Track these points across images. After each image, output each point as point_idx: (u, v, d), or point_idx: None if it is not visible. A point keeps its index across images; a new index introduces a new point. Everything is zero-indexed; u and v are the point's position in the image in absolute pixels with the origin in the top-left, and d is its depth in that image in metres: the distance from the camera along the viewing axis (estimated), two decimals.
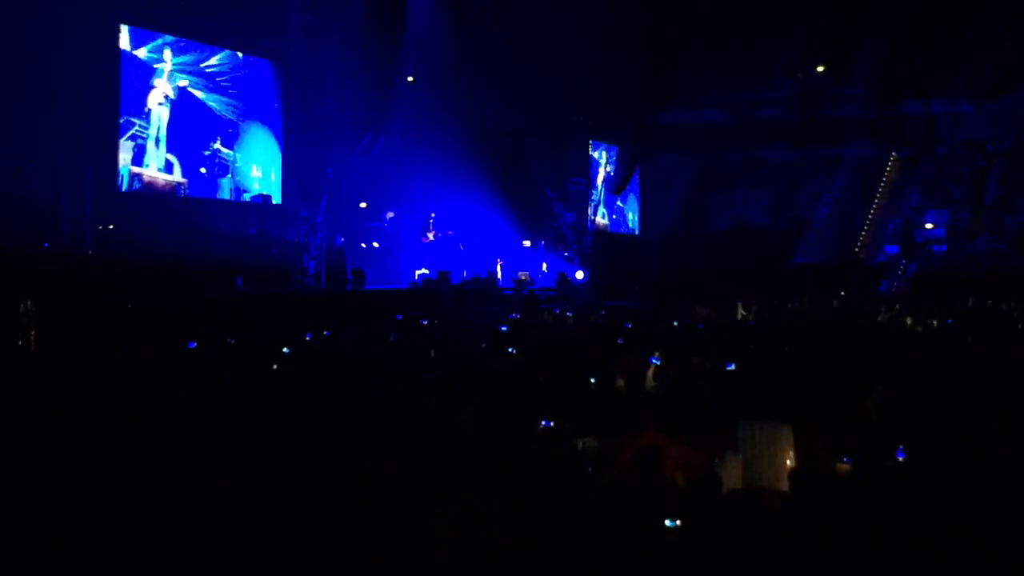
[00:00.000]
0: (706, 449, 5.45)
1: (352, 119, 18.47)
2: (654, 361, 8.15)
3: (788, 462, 5.21)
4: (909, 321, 13.64)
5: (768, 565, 3.81)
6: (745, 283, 19.15)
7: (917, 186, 30.87)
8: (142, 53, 16.01)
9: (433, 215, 22.02)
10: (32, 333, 9.50)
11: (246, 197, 18.15)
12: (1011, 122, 29.32)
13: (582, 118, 27.86)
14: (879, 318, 14.14)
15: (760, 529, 4.07)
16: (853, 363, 8.56)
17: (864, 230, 29.97)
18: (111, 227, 15.05)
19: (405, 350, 10.18)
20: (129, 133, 15.73)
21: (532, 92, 24.15)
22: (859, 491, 4.68)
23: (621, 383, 7.72)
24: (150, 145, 16.08)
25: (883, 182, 31.02)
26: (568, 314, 15.19)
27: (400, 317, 13.96)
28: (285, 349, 9.49)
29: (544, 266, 24.83)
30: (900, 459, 5.26)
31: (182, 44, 16.70)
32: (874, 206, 30.51)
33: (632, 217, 32.27)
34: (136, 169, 15.91)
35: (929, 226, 28.82)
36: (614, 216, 31.13)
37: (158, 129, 16.23)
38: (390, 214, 22.06)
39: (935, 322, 13.29)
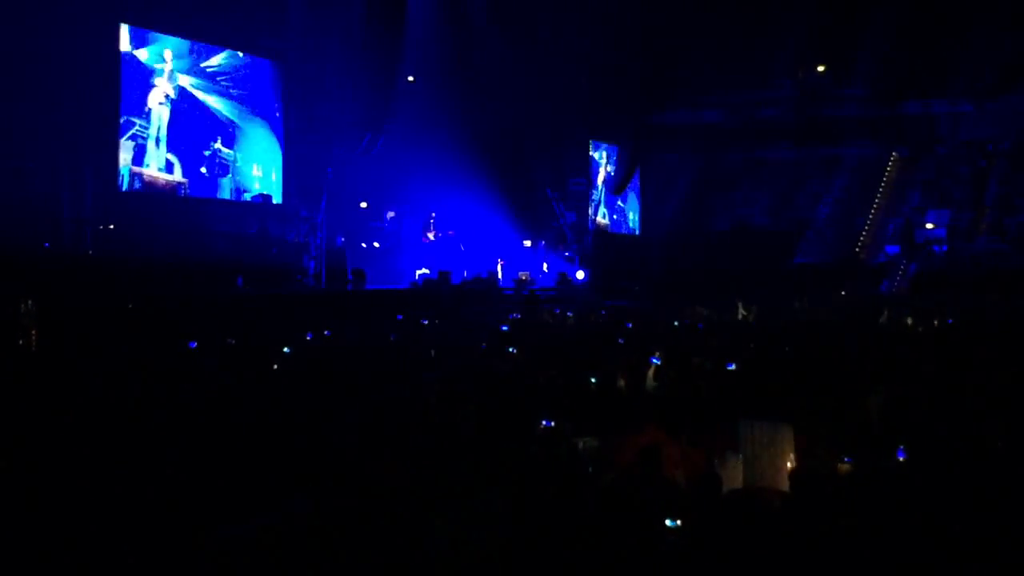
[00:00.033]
0: (706, 449, 5.45)
1: (352, 119, 18.48)
2: (654, 361, 8.14)
3: (788, 462, 5.20)
4: (910, 321, 13.63)
5: (768, 565, 3.81)
6: (745, 283, 19.14)
7: (917, 186, 30.85)
8: (142, 53, 16.02)
9: (433, 215, 22.02)
10: (33, 333, 9.51)
11: (246, 197, 18.15)
12: (1012, 122, 29.29)
13: (582, 118, 27.85)
14: (880, 319, 14.13)
15: (760, 529, 4.07)
16: (854, 363, 8.56)
17: (864, 230, 29.94)
18: (111, 227, 15.05)
19: (405, 350, 10.18)
20: (129, 133, 15.73)
21: (532, 92, 24.14)
22: (859, 491, 4.68)
23: (621, 383, 7.72)
24: (150, 145, 16.09)
25: (883, 182, 30.99)
26: (569, 314, 15.18)
27: (400, 317, 13.95)
28: (286, 349, 9.49)
29: (545, 266, 24.82)
30: (901, 459, 5.26)
31: (183, 44, 16.70)
32: (874, 206, 30.48)
33: (633, 217, 32.26)
34: (136, 169, 15.91)
35: (930, 226, 28.79)
36: (615, 216, 31.13)
37: (158, 129, 16.23)
38: (391, 214, 22.06)
39: (936, 322, 13.28)
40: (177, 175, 16.63)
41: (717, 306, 15.68)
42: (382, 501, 4.28)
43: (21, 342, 9.41)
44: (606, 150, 30.35)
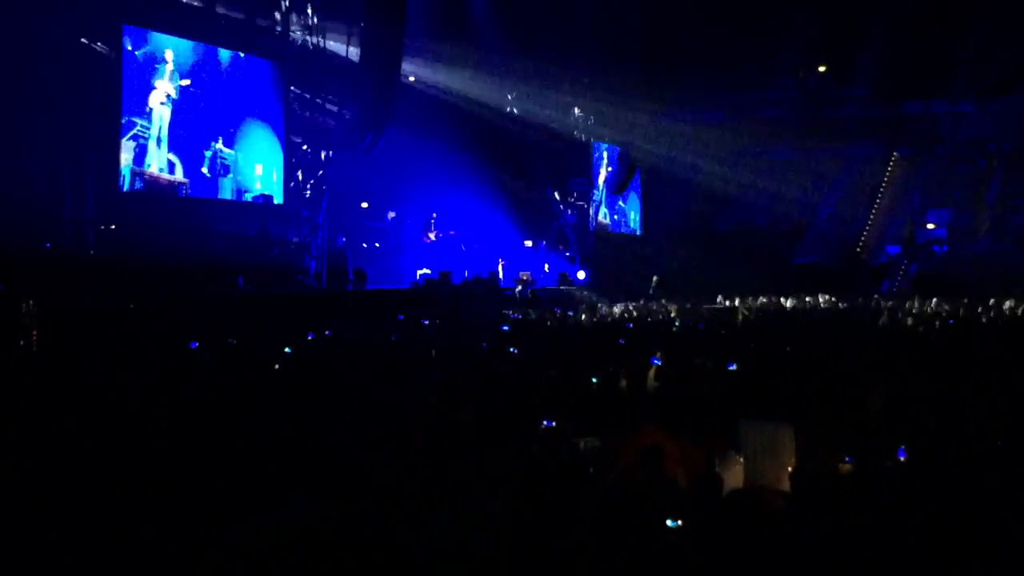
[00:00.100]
0: (707, 449, 5.45)
1: (354, 119, 18.46)
2: (655, 361, 8.15)
3: (789, 462, 5.20)
4: (910, 321, 13.64)
5: (769, 565, 3.81)
6: (746, 283, 19.17)
7: (919, 186, 30.84)
8: (144, 53, 16.02)
9: (435, 215, 22.02)
10: (34, 333, 9.52)
11: (247, 197, 18.15)
12: (1013, 122, 29.28)
13: (584, 117, 27.85)
14: (880, 319, 14.14)
15: (761, 529, 4.07)
16: (854, 363, 8.56)
17: (866, 230, 29.95)
18: (113, 227, 15.06)
19: (407, 350, 10.20)
20: (131, 133, 15.73)
21: (534, 91, 24.15)
22: (860, 491, 4.68)
23: (623, 383, 7.73)
24: (152, 145, 16.08)
25: (885, 182, 30.99)
26: (569, 314, 15.20)
27: (402, 317, 13.96)
28: (287, 349, 9.50)
29: (546, 266, 24.82)
30: (901, 459, 5.26)
31: (184, 44, 16.70)
32: (876, 206, 30.47)
33: (634, 217, 32.24)
34: (138, 169, 15.91)
35: (931, 226, 28.81)
36: (615, 216, 31.11)
37: (160, 129, 16.23)
38: (391, 214, 22.07)
39: (936, 322, 13.29)
40: (178, 175, 16.62)
41: (718, 306, 15.70)
42: (383, 501, 4.28)
43: (22, 342, 9.42)
44: (607, 150, 30.34)
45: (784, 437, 5.34)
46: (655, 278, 20.50)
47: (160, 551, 3.87)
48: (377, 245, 21.30)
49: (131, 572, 3.83)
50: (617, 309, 16.07)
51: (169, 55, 16.38)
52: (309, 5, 18.70)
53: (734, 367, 8.35)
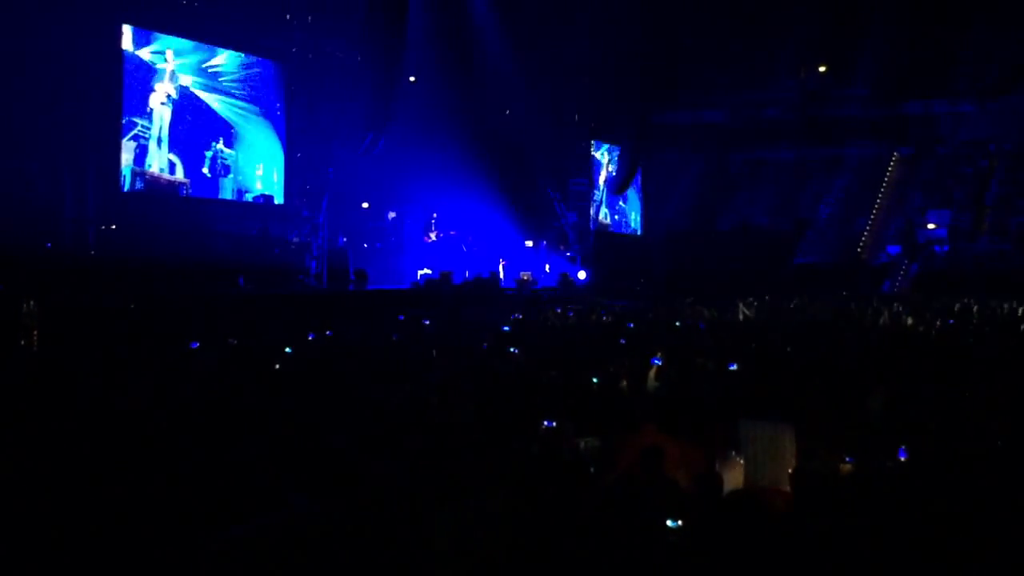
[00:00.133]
0: (708, 449, 5.45)
1: (354, 119, 18.47)
2: (656, 362, 8.14)
3: (790, 462, 5.20)
4: (910, 321, 13.63)
5: (770, 565, 3.81)
6: (747, 283, 19.15)
7: (919, 186, 30.84)
8: (144, 53, 16.03)
9: (435, 215, 22.02)
10: (34, 333, 9.52)
11: (248, 197, 18.16)
12: (1013, 122, 29.27)
13: (584, 118, 27.85)
14: (880, 319, 14.13)
15: (762, 529, 4.07)
16: (855, 363, 8.56)
17: (866, 230, 29.95)
18: (113, 227, 15.07)
19: (407, 350, 10.19)
20: (131, 133, 15.74)
21: (534, 92, 24.14)
22: (861, 491, 4.68)
23: (623, 383, 7.72)
24: (152, 145, 16.09)
25: (885, 182, 30.99)
26: (570, 314, 15.18)
27: (402, 317, 13.96)
28: (288, 349, 9.50)
29: (547, 266, 24.82)
30: (902, 459, 5.26)
31: (185, 44, 16.71)
32: (876, 206, 30.48)
33: (634, 217, 32.25)
34: (138, 169, 15.92)
35: (931, 226, 28.79)
36: (616, 216, 31.12)
37: (160, 129, 16.24)
38: (392, 214, 22.07)
39: (937, 322, 13.27)
40: (179, 175, 16.64)
41: (719, 306, 15.68)
42: (384, 501, 4.28)
43: (23, 342, 9.43)
44: (608, 150, 30.35)
45: (784, 437, 5.33)
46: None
47: (160, 551, 3.87)
48: (379, 245, 21.30)
49: (131, 572, 3.83)
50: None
51: (169, 55, 16.40)
52: (310, 5, 18.70)
53: (735, 367, 8.35)
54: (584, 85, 26.30)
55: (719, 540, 4.01)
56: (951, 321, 13.62)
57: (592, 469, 5.39)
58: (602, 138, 29.88)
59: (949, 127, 30.88)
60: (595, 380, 7.63)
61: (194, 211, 16.97)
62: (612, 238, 29.36)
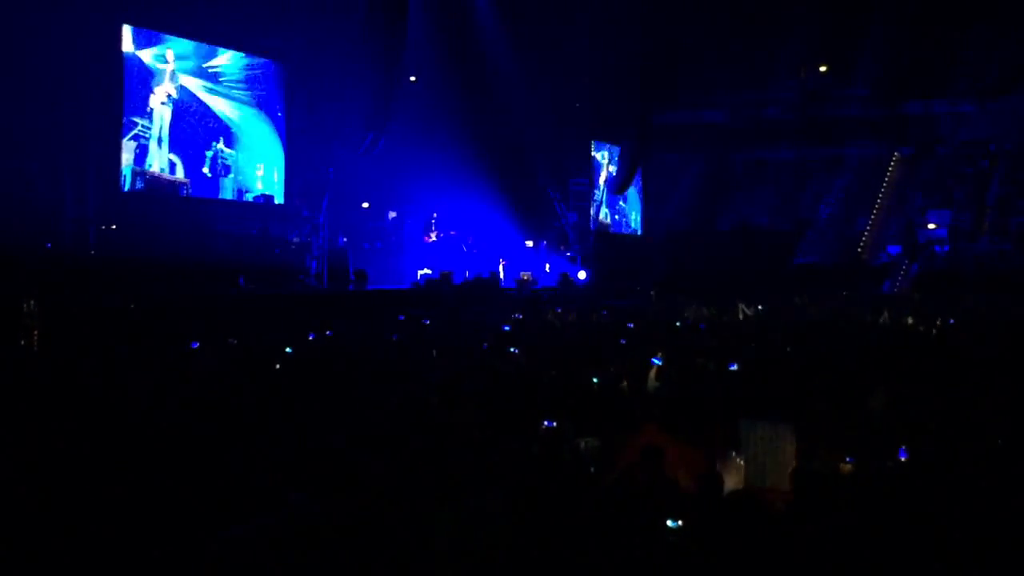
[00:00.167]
0: (708, 449, 5.45)
1: (354, 119, 18.47)
2: (656, 361, 8.14)
3: (790, 462, 5.20)
4: (911, 321, 13.62)
5: (770, 565, 3.80)
6: (747, 283, 19.14)
7: (919, 186, 30.82)
8: (145, 53, 16.03)
9: (435, 215, 22.01)
10: (35, 333, 9.52)
11: (248, 197, 18.16)
12: (1013, 122, 29.26)
13: (584, 118, 27.85)
14: (881, 319, 14.13)
15: (762, 529, 4.06)
16: (855, 363, 8.56)
17: (866, 230, 29.94)
18: (113, 227, 15.06)
19: (407, 350, 10.19)
20: (132, 133, 15.74)
21: (534, 91, 24.14)
22: (861, 491, 4.68)
23: (623, 383, 7.72)
24: (152, 145, 16.10)
25: (885, 182, 30.97)
26: (571, 314, 15.18)
27: (402, 317, 13.95)
28: (288, 349, 9.50)
29: (547, 266, 24.81)
30: (902, 459, 5.26)
31: (185, 44, 16.71)
32: (876, 206, 30.46)
33: (634, 217, 32.25)
34: (139, 169, 15.92)
35: (931, 226, 28.77)
36: (616, 216, 31.11)
37: (160, 129, 16.25)
38: (392, 214, 22.06)
39: (938, 322, 13.27)
40: (179, 175, 16.65)
41: (719, 306, 15.67)
42: (382, 501, 4.28)
43: (23, 342, 9.42)
44: (608, 150, 30.35)
45: (785, 437, 5.33)
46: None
47: (160, 551, 3.87)
48: (379, 245, 21.29)
49: (132, 572, 3.83)
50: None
51: (170, 55, 16.40)
52: (310, 5, 18.71)
53: (735, 367, 8.34)
54: (584, 85, 26.29)
55: (719, 541, 4.00)
56: (951, 321, 13.61)
57: (592, 469, 5.39)
58: (602, 138, 29.87)
59: (949, 127, 30.86)
60: (595, 380, 7.63)
61: (194, 211, 16.98)
62: (612, 238, 29.35)
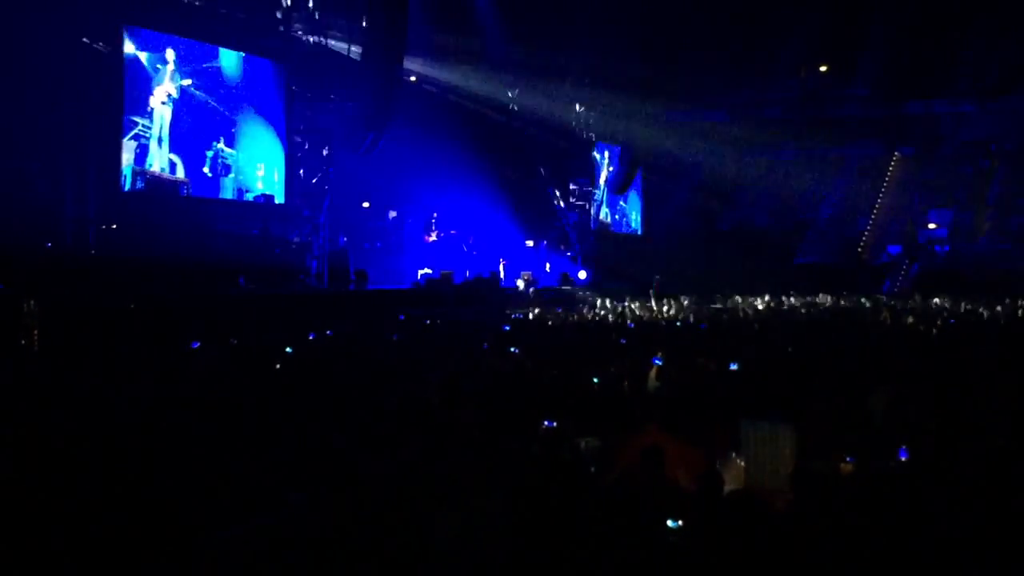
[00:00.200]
0: (708, 449, 5.45)
1: (355, 119, 18.47)
2: (657, 361, 8.14)
3: (790, 462, 5.20)
4: (911, 320, 13.63)
5: (770, 565, 3.80)
6: (747, 283, 19.17)
7: (920, 186, 30.83)
8: (145, 53, 16.02)
9: (435, 215, 22.02)
10: (35, 332, 9.52)
11: (249, 197, 18.15)
12: (1014, 122, 29.26)
13: (585, 117, 27.85)
14: (881, 319, 14.13)
15: (762, 529, 4.06)
16: (856, 363, 8.56)
17: (867, 230, 29.94)
18: (114, 227, 15.06)
19: (408, 350, 10.19)
20: (132, 133, 15.73)
21: (536, 91, 24.15)
22: (862, 491, 4.68)
23: (624, 383, 7.72)
24: (153, 145, 16.09)
25: (886, 182, 30.98)
26: (570, 314, 15.19)
27: (403, 317, 13.96)
28: (288, 349, 9.50)
29: (547, 266, 24.82)
30: (903, 459, 5.25)
31: (185, 44, 16.70)
32: (877, 206, 30.47)
33: (635, 217, 32.25)
34: (139, 169, 15.91)
35: (932, 226, 28.80)
36: (617, 216, 31.11)
37: (161, 129, 16.23)
38: (392, 214, 22.08)
39: (938, 322, 13.27)
40: (180, 175, 16.63)
41: (718, 306, 15.68)
42: (385, 501, 4.28)
43: (23, 341, 9.43)
44: (609, 150, 30.35)
45: (785, 437, 5.34)
46: (656, 280, 20.39)
47: (160, 551, 3.87)
48: (379, 245, 21.31)
49: (131, 572, 3.83)
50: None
51: (170, 55, 16.39)
52: (311, 4, 18.71)
53: (735, 367, 8.34)
54: (585, 85, 26.30)
55: (719, 540, 4.00)
56: (952, 321, 13.62)
57: (592, 469, 5.39)
58: (603, 137, 29.88)
59: (950, 127, 30.87)
60: (595, 380, 7.64)
61: (195, 211, 16.97)
62: (613, 238, 29.36)
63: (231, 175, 17.68)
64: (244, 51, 17.89)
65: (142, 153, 15.92)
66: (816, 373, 7.84)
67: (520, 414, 6.14)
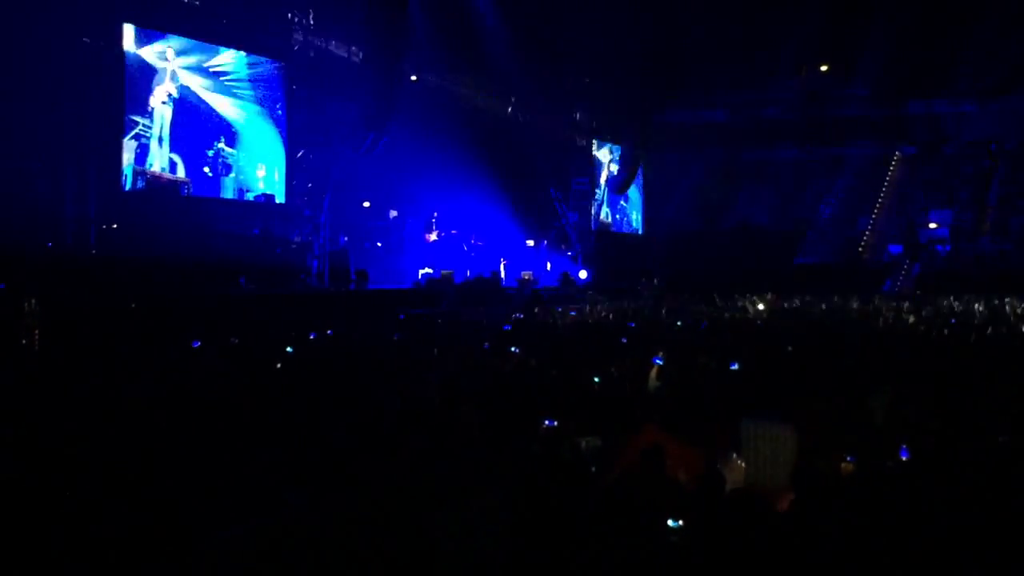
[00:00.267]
0: (709, 449, 5.44)
1: (356, 118, 18.47)
2: (657, 361, 8.14)
3: (791, 462, 5.20)
4: (912, 320, 13.61)
5: (771, 565, 3.80)
6: (748, 283, 19.14)
7: (921, 186, 30.83)
8: (146, 52, 16.02)
9: (436, 214, 22.01)
10: (35, 332, 9.51)
11: (249, 196, 18.15)
12: (1014, 122, 29.26)
13: (586, 117, 27.85)
14: (881, 318, 14.12)
15: (763, 529, 4.06)
16: (856, 363, 8.55)
17: (868, 230, 29.94)
18: (114, 226, 15.06)
19: (408, 350, 10.19)
20: (133, 132, 15.73)
21: (536, 91, 24.14)
22: (862, 491, 4.68)
23: (624, 383, 7.72)
24: (153, 144, 16.09)
25: (887, 182, 30.99)
26: (571, 313, 15.17)
27: (403, 317, 13.95)
28: (289, 348, 9.50)
29: (548, 265, 24.81)
30: (904, 459, 5.25)
31: (186, 43, 16.70)
32: (878, 206, 30.47)
33: (636, 216, 32.25)
34: (140, 168, 15.91)
35: (933, 226, 28.79)
36: (617, 215, 31.11)
37: (161, 128, 16.23)
38: (393, 213, 22.07)
39: (939, 322, 13.26)
40: (180, 174, 16.63)
41: (719, 306, 15.67)
42: (383, 501, 4.28)
43: (24, 341, 9.42)
44: (609, 149, 30.35)
45: (786, 437, 5.33)
46: (655, 281, 20.37)
47: (160, 550, 3.87)
48: (380, 245, 21.30)
49: (131, 572, 3.83)
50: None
51: (171, 54, 16.39)
52: (312, 4, 18.70)
53: (736, 367, 8.34)
54: (586, 84, 26.29)
55: (720, 540, 4.00)
56: (953, 321, 13.60)
57: (592, 469, 5.39)
58: (604, 137, 29.88)
59: (951, 127, 30.87)
60: (596, 380, 7.63)
61: (195, 210, 16.96)
62: (613, 237, 29.36)
63: (232, 175, 17.68)
64: (245, 50, 17.89)
65: (142, 153, 15.92)
66: (816, 373, 7.84)
67: (520, 414, 6.14)
